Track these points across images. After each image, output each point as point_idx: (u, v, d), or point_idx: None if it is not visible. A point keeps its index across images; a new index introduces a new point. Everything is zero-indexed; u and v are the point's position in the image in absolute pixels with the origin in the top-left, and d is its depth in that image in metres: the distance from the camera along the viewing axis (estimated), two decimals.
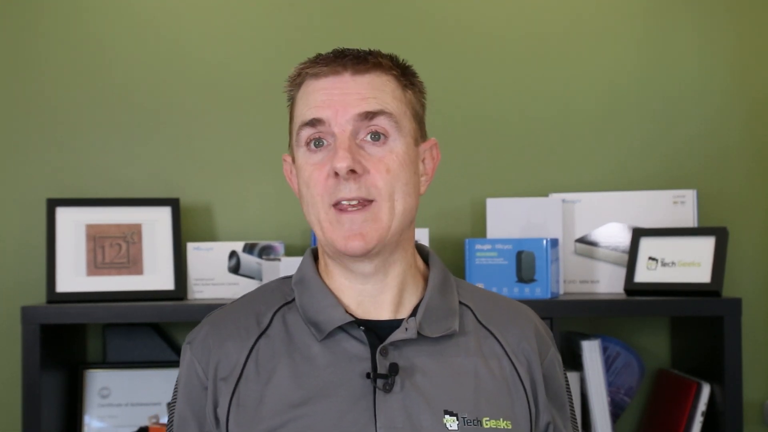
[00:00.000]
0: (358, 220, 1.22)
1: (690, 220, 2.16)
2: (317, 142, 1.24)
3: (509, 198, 2.16)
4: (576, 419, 1.38)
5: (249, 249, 2.19)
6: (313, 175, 1.24)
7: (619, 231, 2.19)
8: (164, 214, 2.19)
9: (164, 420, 2.10)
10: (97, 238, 2.15)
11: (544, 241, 2.02)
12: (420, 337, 1.25)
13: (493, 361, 1.28)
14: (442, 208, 2.29)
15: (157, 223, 2.18)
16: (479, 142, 2.32)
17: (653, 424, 2.20)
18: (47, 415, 2.00)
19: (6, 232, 2.26)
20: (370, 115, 1.23)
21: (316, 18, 2.32)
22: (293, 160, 1.31)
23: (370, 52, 1.27)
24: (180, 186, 2.28)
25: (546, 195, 2.25)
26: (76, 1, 2.29)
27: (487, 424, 1.23)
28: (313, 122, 1.24)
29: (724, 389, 1.98)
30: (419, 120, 1.31)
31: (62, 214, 2.14)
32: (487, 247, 2.06)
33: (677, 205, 2.17)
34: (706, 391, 2.04)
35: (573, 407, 1.37)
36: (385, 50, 1.30)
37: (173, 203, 2.20)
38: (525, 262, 2.03)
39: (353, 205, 1.22)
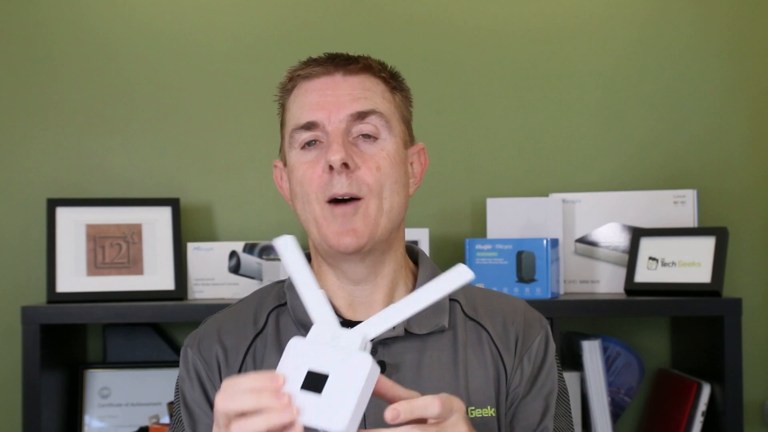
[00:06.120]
0: (349, 214, 1.23)
1: (690, 220, 2.16)
2: (311, 142, 1.27)
3: (509, 198, 2.16)
4: (569, 417, 1.36)
5: (249, 249, 2.19)
6: (306, 173, 1.25)
7: (619, 231, 2.19)
8: (164, 214, 2.19)
9: (165, 420, 2.10)
10: (97, 238, 2.15)
11: (544, 241, 2.02)
12: (408, 334, 1.26)
13: (480, 350, 1.29)
14: (442, 208, 2.29)
15: (157, 223, 2.18)
16: (479, 142, 2.31)
17: (653, 424, 2.20)
18: (47, 415, 2.00)
19: (6, 232, 2.26)
20: (362, 115, 1.26)
21: (317, 20, 2.32)
22: (284, 164, 1.33)
23: (360, 56, 1.31)
24: (180, 186, 2.28)
25: (546, 195, 2.25)
26: (77, 2, 2.29)
27: (473, 414, 1.25)
28: (308, 125, 1.26)
29: (724, 389, 1.98)
30: (407, 123, 1.33)
31: (62, 214, 2.14)
32: (487, 247, 2.06)
33: (677, 205, 2.17)
34: (706, 391, 2.04)
35: (565, 407, 1.35)
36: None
37: (173, 203, 2.20)
38: (525, 262, 2.02)
39: (345, 201, 1.24)
